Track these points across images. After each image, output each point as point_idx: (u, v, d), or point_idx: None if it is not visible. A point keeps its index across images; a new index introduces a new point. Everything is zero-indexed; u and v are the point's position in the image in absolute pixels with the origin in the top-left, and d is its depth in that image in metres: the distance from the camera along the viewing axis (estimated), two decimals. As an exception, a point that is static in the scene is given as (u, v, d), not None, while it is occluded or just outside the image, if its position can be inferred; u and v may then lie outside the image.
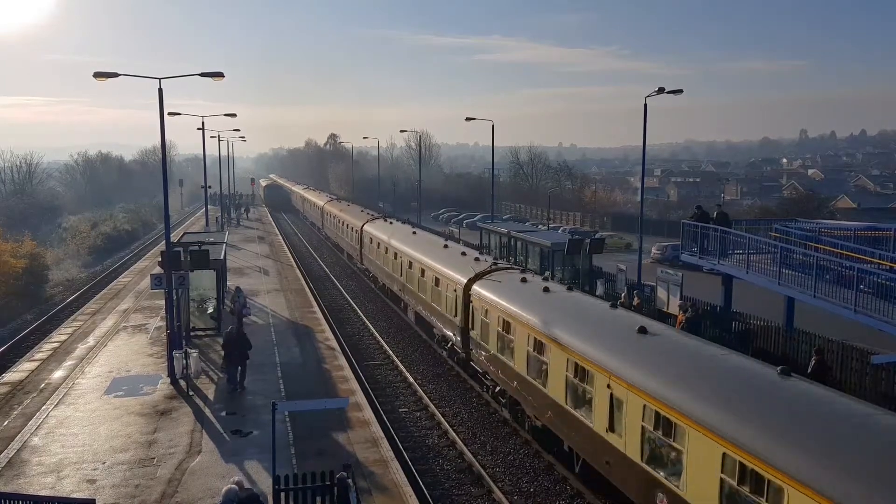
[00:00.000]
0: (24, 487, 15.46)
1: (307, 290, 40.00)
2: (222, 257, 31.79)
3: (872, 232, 26.42)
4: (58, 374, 24.05)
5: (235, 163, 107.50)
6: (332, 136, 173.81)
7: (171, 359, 22.95)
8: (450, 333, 26.03)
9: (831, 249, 23.85)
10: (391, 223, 42.58)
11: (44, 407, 20.69)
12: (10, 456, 17.24)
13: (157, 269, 24.99)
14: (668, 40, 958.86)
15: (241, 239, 62.68)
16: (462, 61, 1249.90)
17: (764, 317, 25.15)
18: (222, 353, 22.68)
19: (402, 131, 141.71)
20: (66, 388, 22.49)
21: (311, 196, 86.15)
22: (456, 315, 24.88)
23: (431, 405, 22.88)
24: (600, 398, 14.94)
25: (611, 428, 14.60)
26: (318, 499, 13.39)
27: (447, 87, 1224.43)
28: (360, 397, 21.74)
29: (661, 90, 32.08)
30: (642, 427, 13.42)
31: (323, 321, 32.11)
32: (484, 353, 22.26)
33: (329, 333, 29.81)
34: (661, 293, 27.53)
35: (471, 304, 23.45)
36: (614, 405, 14.44)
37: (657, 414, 12.94)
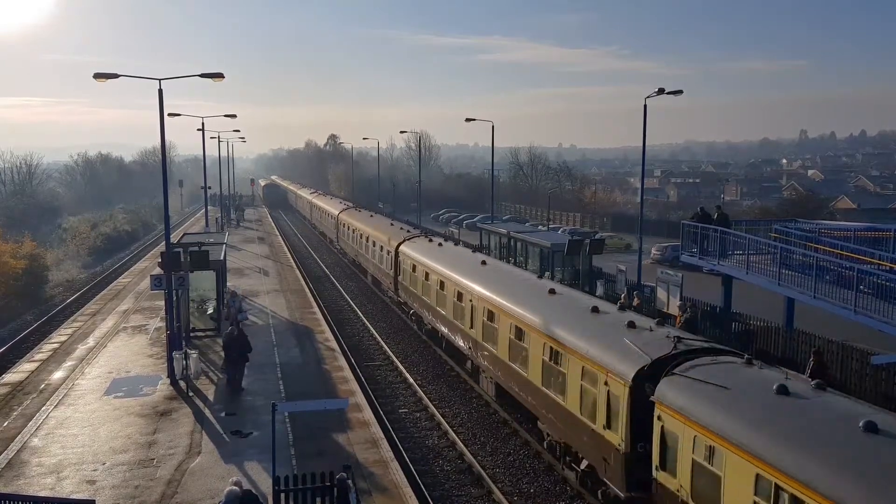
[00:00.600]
0: (24, 488, 15.46)
1: (307, 290, 40.01)
2: (222, 258, 31.78)
3: (872, 232, 26.41)
4: (58, 374, 24.05)
5: (235, 163, 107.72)
6: (332, 137, 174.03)
7: (170, 359, 22.95)
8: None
9: (831, 250, 23.84)
10: (440, 244, 32.65)
11: (44, 408, 20.69)
12: (10, 457, 17.24)
13: (157, 270, 24.99)
14: (668, 40, 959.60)
15: (240, 240, 62.71)
16: (462, 61, 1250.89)
17: (764, 317, 25.17)
18: (222, 353, 22.69)
19: (401, 132, 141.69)
20: (65, 388, 22.49)
21: (323, 203, 73.11)
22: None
23: (431, 406, 22.87)
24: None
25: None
26: (318, 499, 13.39)
27: (447, 87, 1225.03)
28: (360, 398, 21.74)
29: (660, 91, 32.09)
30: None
31: (323, 322, 32.11)
32: None
33: (329, 334, 29.81)
34: (661, 294, 27.53)
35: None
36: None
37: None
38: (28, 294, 43.76)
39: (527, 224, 69.03)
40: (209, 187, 64.33)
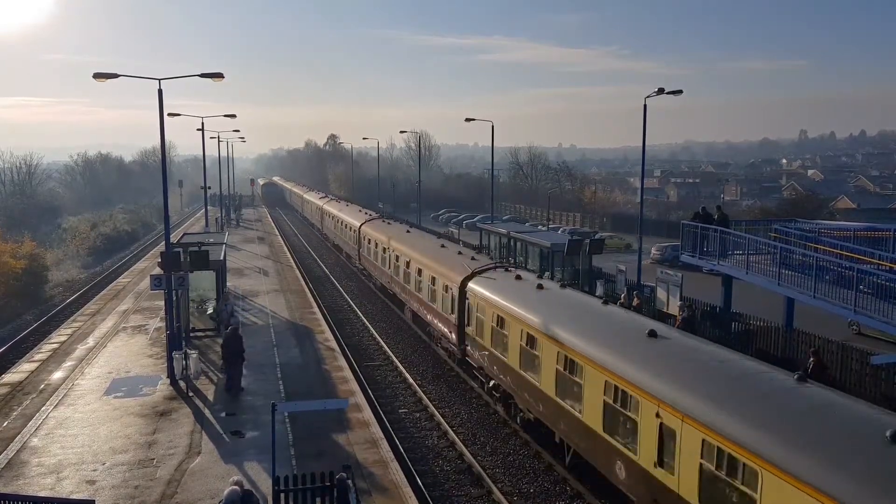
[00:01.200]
0: (24, 488, 15.45)
1: (307, 290, 40.00)
2: (222, 258, 31.78)
3: (872, 232, 26.39)
4: (57, 374, 24.05)
5: (235, 163, 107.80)
6: (332, 137, 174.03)
7: (170, 360, 22.94)
8: None
9: (831, 250, 23.84)
10: (542, 287, 20.97)
11: (43, 408, 20.69)
12: (10, 457, 17.24)
13: (157, 270, 24.97)
14: (668, 40, 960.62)
15: (240, 240, 62.75)
16: (462, 61, 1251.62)
17: (764, 317, 25.17)
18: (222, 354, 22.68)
19: (401, 132, 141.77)
20: (65, 388, 22.49)
21: (338, 210, 59.64)
22: None
23: (431, 406, 22.87)
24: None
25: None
26: (318, 500, 13.39)
27: (447, 87, 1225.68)
28: (360, 398, 21.73)
29: (660, 91, 32.10)
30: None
31: (322, 322, 32.10)
32: None
33: (329, 334, 29.81)
34: (661, 294, 27.55)
35: None
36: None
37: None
38: (28, 294, 43.78)
39: (527, 224, 69.04)
40: (209, 187, 64.33)
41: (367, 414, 20.31)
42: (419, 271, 30.48)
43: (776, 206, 79.83)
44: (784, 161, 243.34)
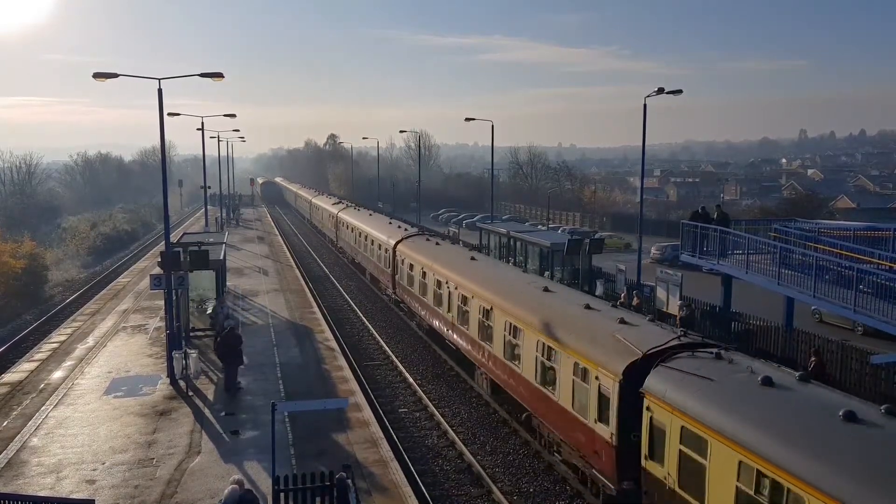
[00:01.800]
0: (24, 488, 15.45)
1: (307, 290, 40.00)
2: (222, 258, 31.76)
3: (872, 232, 26.42)
4: (57, 374, 24.05)
5: (235, 163, 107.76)
6: (332, 137, 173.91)
7: (170, 359, 22.94)
8: None
9: (831, 249, 23.86)
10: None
11: (43, 407, 20.69)
12: (10, 456, 17.24)
13: (157, 270, 24.99)
14: (668, 40, 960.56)
15: (240, 239, 62.74)
16: (462, 61, 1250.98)
17: (763, 317, 25.19)
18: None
19: (401, 131, 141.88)
20: (65, 388, 22.49)
21: (360, 221, 48.53)
22: None
23: (431, 405, 22.87)
24: None
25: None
26: (318, 499, 13.40)
27: (447, 87, 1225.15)
28: (360, 398, 21.74)
29: (660, 90, 32.12)
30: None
31: (322, 321, 32.10)
32: None
33: (328, 334, 29.81)
34: (661, 293, 27.57)
35: None
36: None
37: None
38: (28, 294, 43.76)
39: (526, 224, 69.05)
40: (209, 187, 64.33)
41: (367, 413, 20.31)
42: (515, 339, 19.56)
43: (776, 206, 79.89)
44: (784, 161, 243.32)
